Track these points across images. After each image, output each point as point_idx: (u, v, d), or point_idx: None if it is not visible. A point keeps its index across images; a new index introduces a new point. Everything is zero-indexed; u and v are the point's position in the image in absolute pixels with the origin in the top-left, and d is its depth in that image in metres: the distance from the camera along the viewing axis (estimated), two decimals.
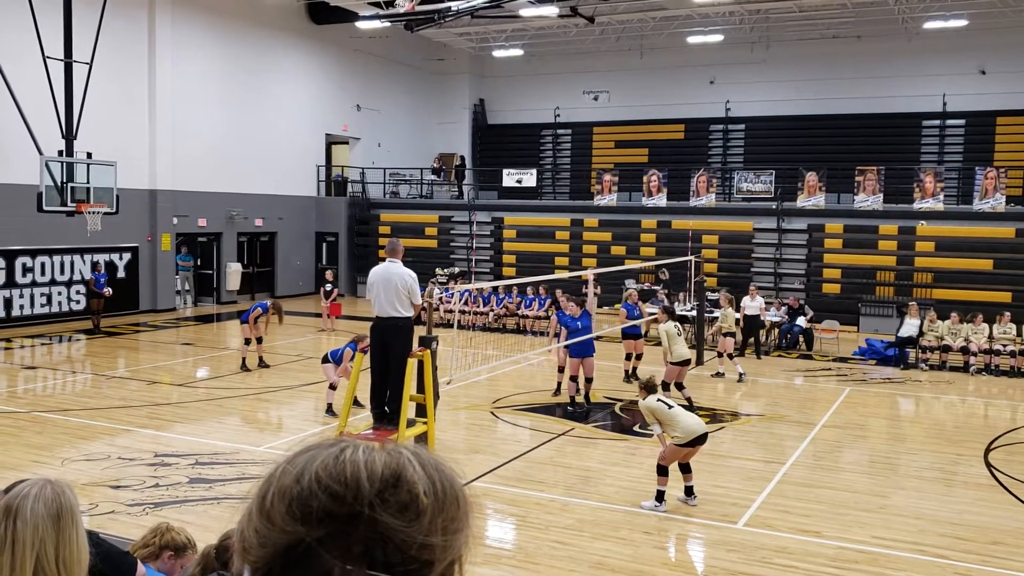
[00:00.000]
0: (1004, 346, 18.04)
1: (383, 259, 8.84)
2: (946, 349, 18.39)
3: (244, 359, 16.21)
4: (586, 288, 22.66)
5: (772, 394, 15.20)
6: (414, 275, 8.30)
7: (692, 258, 20.39)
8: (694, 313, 19.75)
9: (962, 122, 28.39)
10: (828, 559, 7.83)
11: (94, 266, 21.65)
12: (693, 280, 19.98)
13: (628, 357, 16.30)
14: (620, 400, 14.60)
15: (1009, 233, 23.69)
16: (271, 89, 28.11)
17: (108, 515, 8.44)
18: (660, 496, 9.07)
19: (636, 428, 12.75)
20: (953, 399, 15.72)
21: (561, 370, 14.44)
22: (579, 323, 14.04)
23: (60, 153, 18.20)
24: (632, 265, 24.23)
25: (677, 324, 14.05)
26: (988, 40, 27.41)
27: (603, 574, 7.40)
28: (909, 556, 7.98)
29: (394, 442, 1.01)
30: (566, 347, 13.88)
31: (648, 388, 9.36)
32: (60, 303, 21.99)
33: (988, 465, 11.09)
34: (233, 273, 26.54)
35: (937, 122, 28.70)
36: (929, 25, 26.95)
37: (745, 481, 10.13)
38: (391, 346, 8.18)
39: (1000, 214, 23.68)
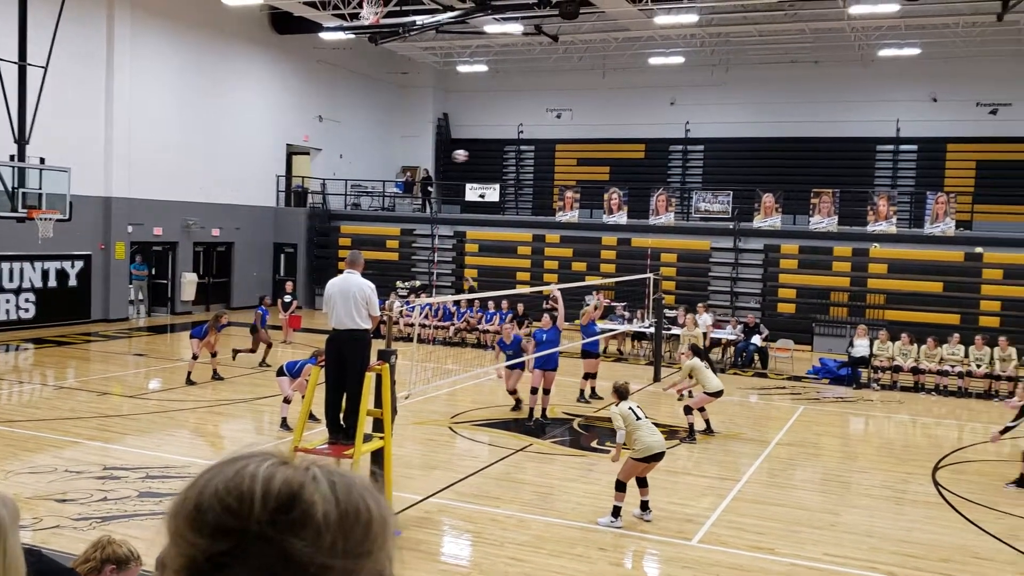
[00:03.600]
0: (952, 367, 18.42)
1: (343, 271, 8.79)
2: (897, 369, 18.74)
3: (189, 373, 15.94)
4: (551, 303, 22.70)
5: (727, 411, 15.31)
6: (373, 287, 8.25)
7: (651, 275, 20.56)
8: (652, 330, 19.88)
9: (914, 147, 29.08)
10: None
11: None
12: (652, 297, 20.13)
13: (586, 376, 16.17)
14: (579, 416, 14.64)
15: (958, 257, 24.26)
16: (231, 98, 27.86)
17: (52, 530, 8.24)
18: (616, 512, 9.08)
19: (594, 444, 12.79)
20: (903, 418, 16.00)
21: (512, 392, 14.36)
22: (545, 335, 14.10)
23: (12, 158, 17.84)
24: (593, 281, 24.36)
25: (706, 360, 13.84)
26: (940, 69, 28.12)
27: None
28: (860, 573, 8.08)
29: (307, 459, 0.98)
30: (508, 367, 13.89)
31: (620, 393, 9.42)
32: (8, 311, 21.49)
33: (936, 484, 11.30)
34: (188, 283, 26.16)
35: (891, 147, 29.36)
36: (884, 53, 27.60)
37: (700, 498, 10.20)
38: (348, 359, 8.11)
39: (950, 238, 24.24)
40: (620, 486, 9.11)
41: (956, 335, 19.14)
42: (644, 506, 9.24)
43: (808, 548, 8.67)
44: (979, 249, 24.04)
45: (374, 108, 34.48)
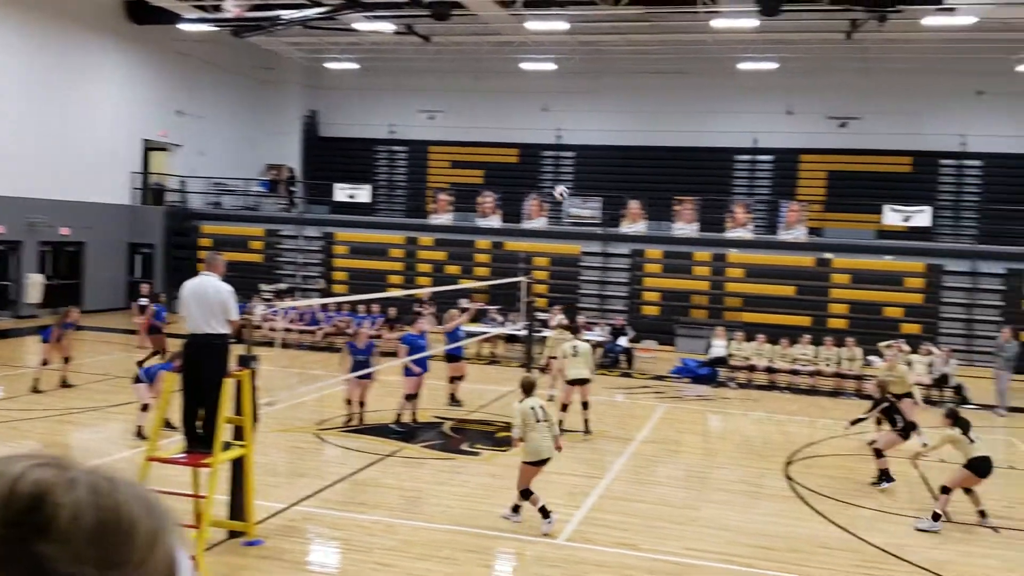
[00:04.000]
0: (803, 366, 19.43)
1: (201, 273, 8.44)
2: (753, 369, 19.62)
3: (37, 380, 14.94)
4: (421, 307, 22.56)
5: (594, 411, 15.59)
6: (231, 290, 7.94)
7: (524, 279, 20.76)
8: (524, 332, 20.06)
9: (770, 158, 30.55)
10: (643, 571, 8.10)
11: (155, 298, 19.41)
12: (524, 300, 20.32)
13: (452, 380, 16.08)
14: (450, 420, 14.60)
15: (810, 262, 25.64)
16: (84, 90, 26.39)
17: None
18: (545, 512, 8.94)
19: (464, 447, 12.78)
20: (759, 416, 16.75)
21: (349, 402, 13.81)
22: (421, 341, 13.95)
23: None
24: (466, 284, 24.38)
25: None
26: (795, 83, 29.66)
27: None
28: (718, 566, 8.38)
29: (80, 463, 0.91)
30: (359, 376, 13.21)
31: (525, 389, 9.37)
32: None
33: (788, 478, 11.87)
34: (34, 285, 24.55)
35: (748, 157, 30.74)
36: (743, 66, 28.88)
37: (567, 496, 10.34)
38: (205, 365, 7.78)
39: (802, 244, 25.59)
40: (525, 494, 8.95)
41: (807, 336, 20.23)
42: (544, 512, 8.96)
43: (669, 543, 8.93)
44: (828, 255, 25.48)
45: (238, 104, 33.40)
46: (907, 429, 11.59)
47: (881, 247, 25.51)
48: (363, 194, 29.40)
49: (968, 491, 10.09)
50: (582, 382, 13.42)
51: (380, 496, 10.10)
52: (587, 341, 15.01)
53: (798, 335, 20.39)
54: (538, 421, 9.02)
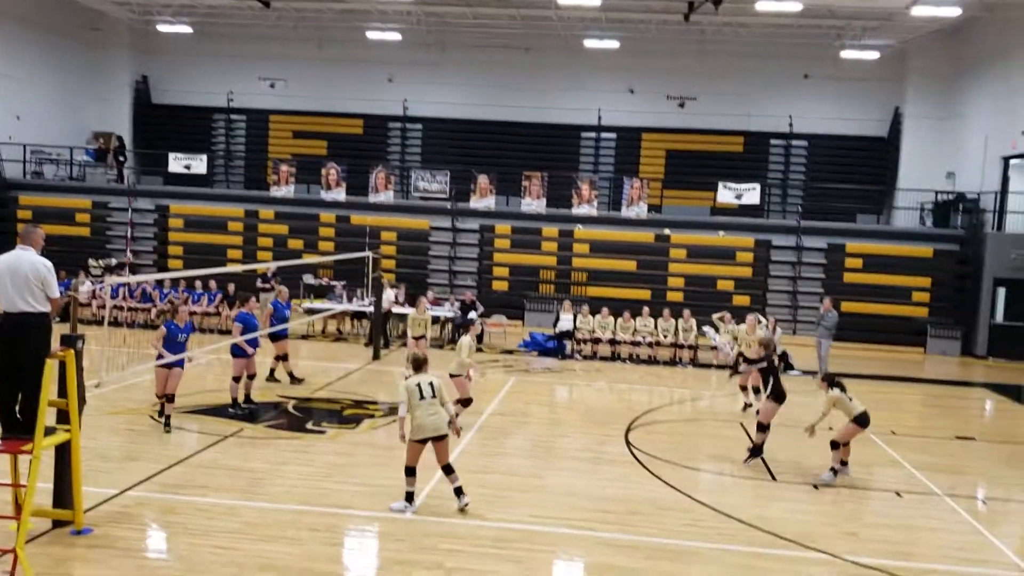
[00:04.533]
0: (644, 338, 20.21)
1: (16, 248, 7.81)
2: (597, 341, 20.23)
3: None
4: (272, 282, 21.85)
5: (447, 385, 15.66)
6: (49, 265, 7.40)
7: (370, 254, 20.50)
8: (372, 309, 19.83)
9: (614, 136, 31.35)
10: (490, 540, 8.22)
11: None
12: (371, 276, 20.07)
13: (278, 358, 15.42)
14: (293, 399, 14.27)
15: (649, 238, 26.62)
16: None
17: None
18: (409, 497, 8.87)
19: (310, 426, 12.54)
20: (602, 386, 17.31)
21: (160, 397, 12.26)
22: (256, 323, 13.60)
23: None
24: (310, 259, 23.83)
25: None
26: (636, 63, 30.53)
27: None
28: (560, 531, 8.62)
29: None
30: (165, 365, 11.65)
31: (414, 365, 9.14)
32: None
33: (628, 444, 12.33)
34: None
35: (593, 134, 31.44)
36: (588, 44, 29.45)
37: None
38: (22, 345, 7.22)
39: (643, 221, 26.53)
40: (408, 471, 8.85)
41: (646, 308, 21.03)
42: (458, 492, 8.92)
43: (515, 511, 9.10)
44: (667, 231, 26.54)
45: (59, 66, 30.99)
46: (780, 393, 11.48)
47: (715, 223, 26.80)
48: (199, 165, 28.08)
49: (837, 446, 10.95)
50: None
51: (221, 478, 9.76)
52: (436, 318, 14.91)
53: (639, 308, 21.17)
54: (422, 398, 8.82)
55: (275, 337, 15.01)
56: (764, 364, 11.83)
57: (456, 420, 9.38)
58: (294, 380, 15.37)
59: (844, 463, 11.13)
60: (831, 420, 11.23)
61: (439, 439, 8.86)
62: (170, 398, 11.77)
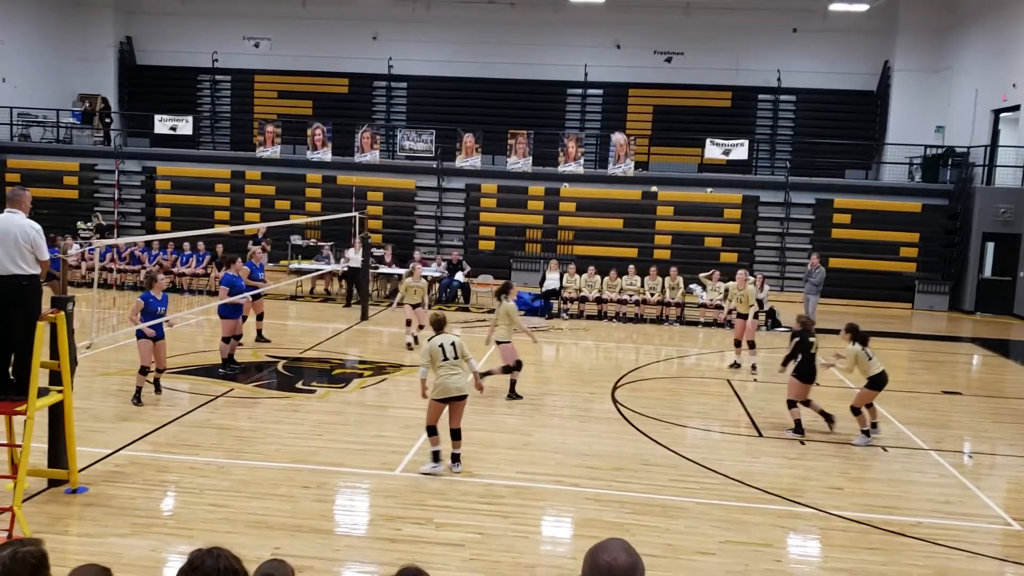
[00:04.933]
0: (630, 296, 20.34)
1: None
2: (584, 300, 20.35)
3: None
4: (262, 243, 21.83)
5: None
6: (38, 227, 7.43)
7: (357, 214, 20.51)
8: (359, 266, 19.88)
9: (600, 92, 31.18)
10: (478, 496, 8.40)
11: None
12: (358, 236, 20.09)
13: (259, 317, 15.56)
14: (283, 358, 14.38)
15: (636, 195, 26.64)
16: None
17: None
18: (435, 456, 8.97)
19: (299, 385, 12.66)
20: (588, 344, 17.47)
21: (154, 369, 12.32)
22: (242, 284, 13.64)
23: None
24: (297, 220, 23.81)
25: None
26: (622, 18, 30.28)
27: (261, 532, 7.31)
28: (548, 487, 8.80)
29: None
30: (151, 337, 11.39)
31: (435, 326, 9.21)
32: None
33: (615, 401, 12.51)
34: None
35: (579, 91, 31.25)
36: None
37: (404, 430, 10.49)
38: (13, 308, 7.28)
39: (630, 178, 26.51)
40: (430, 431, 8.94)
41: (633, 267, 21.13)
42: (455, 459, 9.07)
43: (503, 468, 9.27)
44: (654, 188, 26.56)
45: (43, 27, 30.60)
46: (805, 373, 11.05)
47: (703, 180, 26.82)
48: (185, 126, 27.87)
49: (857, 411, 10.89)
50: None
51: (212, 437, 9.89)
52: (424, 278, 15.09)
53: (625, 266, 21.27)
54: (445, 359, 8.85)
55: (253, 296, 14.98)
56: (796, 340, 11.16)
57: (480, 379, 9.50)
58: (260, 339, 15.41)
59: (875, 425, 11.14)
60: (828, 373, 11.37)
61: (459, 399, 8.96)
62: (160, 370, 11.73)
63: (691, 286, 20.83)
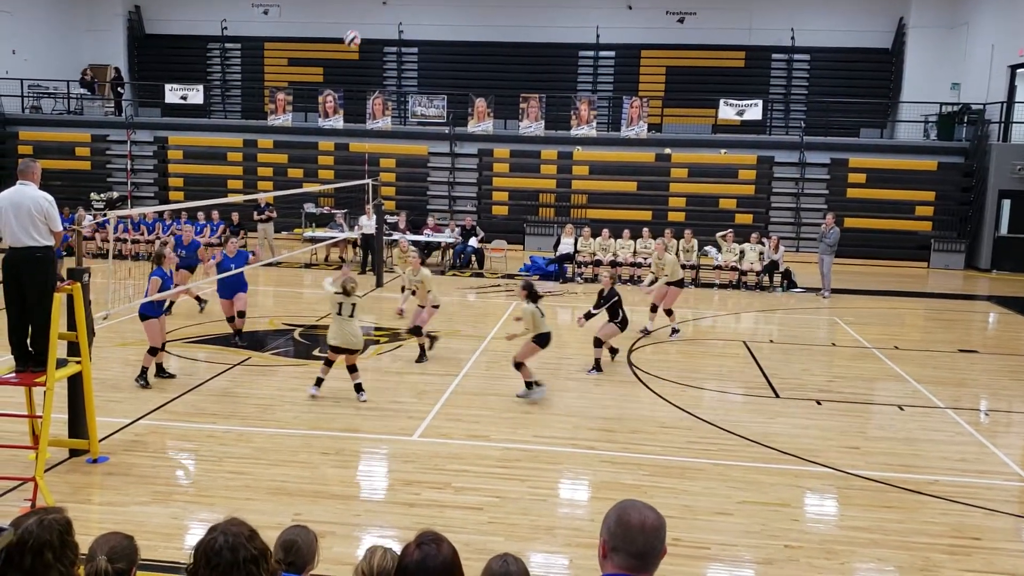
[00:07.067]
0: (645, 259, 20.25)
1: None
2: (598, 263, 20.29)
3: None
4: (260, 214, 21.91)
5: (447, 311, 15.82)
6: (51, 199, 7.43)
7: (370, 181, 20.45)
8: (373, 232, 19.85)
9: (612, 54, 30.81)
10: (495, 460, 8.44)
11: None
12: (371, 203, 20.05)
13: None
14: (299, 326, 14.44)
15: (650, 158, 26.44)
16: None
17: None
18: (529, 385, 10.59)
19: (316, 353, 12.71)
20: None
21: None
22: (233, 264, 13.22)
23: None
24: (310, 188, 23.78)
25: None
26: None
27: (281, 499, 7.38)
28: (564, 450, 8.84)
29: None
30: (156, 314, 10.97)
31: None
32: None
33: (631, 364, 12.51)
34: None
35: (591, 53, 30.89)
36: None
37: (420, 395, 10.55)
38: (29, 279, 7.32)
39: (643, 140, 26.29)
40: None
41: (647, 230, 21.02)
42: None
43: (519, 431, 9.31)
44: (667, 150, 26.34)
45: None
46: (624, 322, 12.29)
47: (717, 141, 26.56)
48: (196, 95, 27.78)
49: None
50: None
51: (231, 406, 9.97)
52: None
53: (640, 230, 21.16)
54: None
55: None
56: (614, 299, 12.29)
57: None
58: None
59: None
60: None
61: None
62: (162, 346, 11.07)
63: (706, 248, 20.72)
